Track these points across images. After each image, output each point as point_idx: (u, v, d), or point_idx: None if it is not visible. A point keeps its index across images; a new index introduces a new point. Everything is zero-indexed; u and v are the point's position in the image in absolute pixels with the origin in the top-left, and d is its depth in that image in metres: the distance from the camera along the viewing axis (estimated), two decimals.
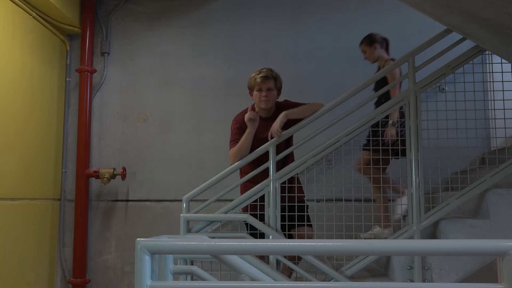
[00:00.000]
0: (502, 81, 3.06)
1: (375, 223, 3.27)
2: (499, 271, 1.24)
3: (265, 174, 3.03)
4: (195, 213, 3.10)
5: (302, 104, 3.21)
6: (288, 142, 3.14)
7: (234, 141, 3.16)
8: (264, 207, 2.99)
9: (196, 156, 4.47)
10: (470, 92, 3.09)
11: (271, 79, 3.11)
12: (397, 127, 3.22)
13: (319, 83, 4.38)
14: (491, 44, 2.80)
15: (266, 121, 3.16)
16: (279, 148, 3.07)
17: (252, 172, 3.07)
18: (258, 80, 3.10)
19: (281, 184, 3.01)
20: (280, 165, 3.06)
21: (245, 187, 3.14)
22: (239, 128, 3.18)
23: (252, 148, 3.09)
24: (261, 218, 2.98)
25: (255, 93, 3.15)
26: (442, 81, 3.10)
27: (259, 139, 3.12)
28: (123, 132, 4.57)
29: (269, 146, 3.04)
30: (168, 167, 4.50)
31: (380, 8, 4.44)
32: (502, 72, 3.07)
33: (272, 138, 3.03)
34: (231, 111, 4.40)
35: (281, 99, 3.29)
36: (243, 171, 3.20)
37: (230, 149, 3.18)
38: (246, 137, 3.07)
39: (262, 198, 3.03)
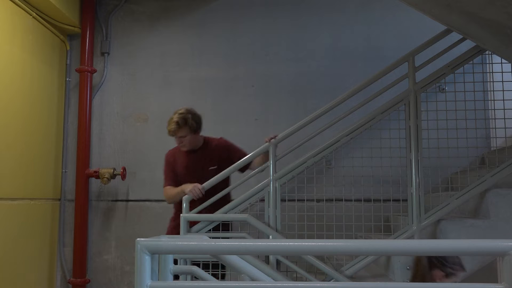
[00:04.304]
0: (502, 81, 3.07)
1: None
2: (499, 271, 1.24)
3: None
4: (195, 213, 3.10)
5: (236, 148, 3.32)
6: (225, 182, 3.20)
7: (166, 177, 3.33)
8: (264, 207, 3.00)
9: None
10: (470, 92, 3.09)
11: (180, 128, 3.18)
12: None
13: (319, 83, 4.38)
14: (491, 44, 2.79)
15: (193, 153, 3.31)
16: (216, 187, 3.07)
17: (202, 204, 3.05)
18: (169, 134, 3.24)
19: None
20: (218, 204, 3.05)
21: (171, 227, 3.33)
22: (167, 164, 3.36)
23: (185, 181, 3.15)
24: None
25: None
26: (442, 81, 3.10)
27: (189, 171, 3.25)
28: (123, 132, 4.56)
29: (269, 146, 3.05)
30: None
31: (380, 8, 4.44)
32: (502, 72, 3.08)
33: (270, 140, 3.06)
34: (231, 111, 4.42)
35: (275, 98, 3.30)
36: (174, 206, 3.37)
37: (164, 184, 3.33)
38: (178, 195, 3.15)
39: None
